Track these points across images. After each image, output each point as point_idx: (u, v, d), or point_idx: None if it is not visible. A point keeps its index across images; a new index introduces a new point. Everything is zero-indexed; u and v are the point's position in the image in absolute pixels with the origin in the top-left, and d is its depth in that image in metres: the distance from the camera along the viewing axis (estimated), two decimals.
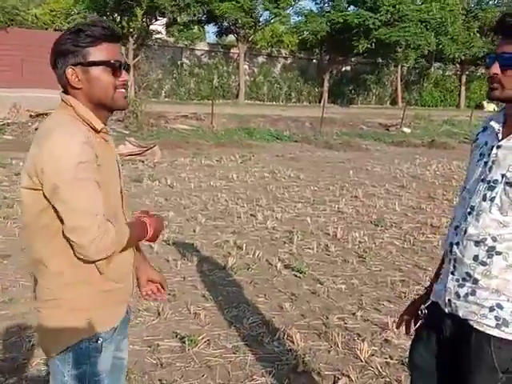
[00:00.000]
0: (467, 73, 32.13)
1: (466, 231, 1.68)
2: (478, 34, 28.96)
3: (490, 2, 30.80)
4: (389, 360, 3.34)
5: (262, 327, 3.71)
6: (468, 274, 1.66)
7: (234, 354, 3.34)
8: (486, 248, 1.62)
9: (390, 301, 4.24)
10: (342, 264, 5.08)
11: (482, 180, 1.67)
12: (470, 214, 1.68)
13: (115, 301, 1.70)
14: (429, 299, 1.89)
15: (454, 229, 1.75)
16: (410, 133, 17.89)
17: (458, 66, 31.81)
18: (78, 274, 1.57)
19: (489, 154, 1.68)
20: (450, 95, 32.50)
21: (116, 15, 20.93)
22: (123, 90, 1.60)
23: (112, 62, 1.55)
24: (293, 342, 3.48)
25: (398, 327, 2.08)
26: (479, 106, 30.93)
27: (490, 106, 31.11)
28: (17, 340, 3.36)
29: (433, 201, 7.96)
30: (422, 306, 1.91)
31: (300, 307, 4.07)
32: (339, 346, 3.47)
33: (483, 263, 1.63)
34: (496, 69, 1.60)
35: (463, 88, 32.09)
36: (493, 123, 1.70)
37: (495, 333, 1.63)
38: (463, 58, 29.02)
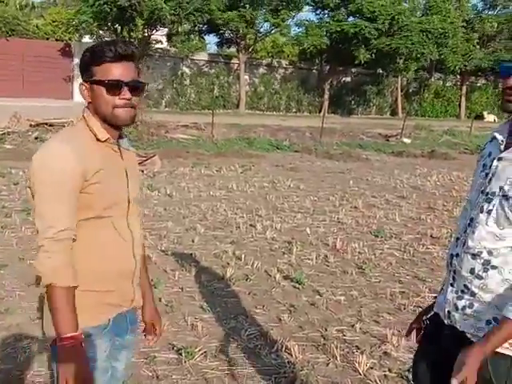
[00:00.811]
0: (467, 83, 32.23)
1: (465, 243, 1.67)
2: (477, 46, 29.09)
3: (490, 13, 30.98)
4: (387, 373, 3.30)
5: (260, 339, 3.67)
6: (466, 286, 1.67)
7: (231, 366, 3.30)
8: (482, 261, 1.62)
9: (389, 313, 4.21)
10: (341, 275, 5.05)
11: (482, 191, 1.67)
12: (469, 225, 1.68)
13: (104, 302, 1.74)
14: (432, 310, 1.89)
15: (455, 240, 1.74)
16: (410, 143, 17.89)
17: (458, 76, 31.92)
18: None
19: (490, 166, 1.67)
20: (451, 106, 32.57)
21: (117, 25, 21.01)
22: (121, 109, 1.67)
23: (106, 82, 1.64)
24: (291, 355, 3.44)
25: (407, 335, 2.06)
26: (479, 117, 31.02)
27: (490, 117, 31.23)
28: (12, 351, 3.32)
29: (433, 212, 7.94)
30: (424, 317, 1.91)
31: (298, 319, 4.04)
32: (337, 358, 3.43)
33: (479, 277, 1.63)
34: None
35: (463, 98, 32.17)
36: (497, 134, 1.69)
37: None
38: (463, 69, 29.13)
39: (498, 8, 31.01)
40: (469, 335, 1.65)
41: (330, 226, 6.82)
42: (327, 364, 3.39)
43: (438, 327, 1.79)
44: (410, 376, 2.08)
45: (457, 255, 1.69)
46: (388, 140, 18.23)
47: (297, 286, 4.69)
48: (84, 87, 1.69)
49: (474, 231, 1.64)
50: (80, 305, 1.62)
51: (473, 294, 1.64)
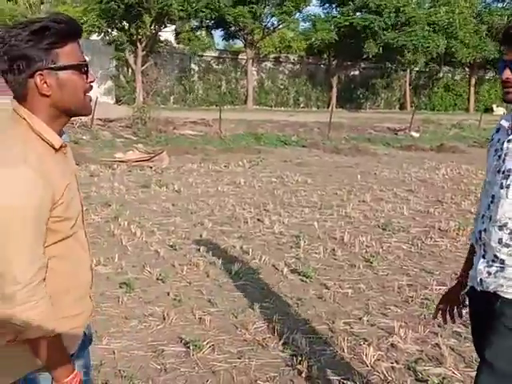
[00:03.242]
0: (476, 76, 31.99)
1: (490, 218, 1.87)
2: (487, 38, 28.86)
3: (499, 5, 30.71)
4: (395, 365, 3.30)
5: (268, 332, 3.69)
6: (495, 255, 1.86)
7: (239, 359, 3.33)
8: (508, 231, 1.82)
9: (396, 305, 4.20)
10: (348, 268, 5.05)
11: (498, 171, 1.87)
12: (492, 202, 1.88)
13: (77, 326, 1.53)
14: (466, 286, 2.09)
15: (480, 218, 1.95)
16: (418, 137, 17.81)
17: (467, 69, 31.68)
18: None
19: (501, 149, 1.88)
20: (460, 99, 32.36)
21: (124, 22, 21.09)
22: (90, 95, 1.46)
23: (81, 64, 1.40)
24: (298, 347, 3.45)
25: (434, 317, 2.31)
26: (489, 110, 30.76)
27: (500, 110, 30.93)
28: None
29: (441, 205, 7.91)
30: (462, 293, 2.11)
31: (306, 312, 4.05)
32: (345, 350, 3.44)
33: (507, 245, 1.83)
34: (508, 74, 1.80)
35: (472, 92, 31.94)
36: (503, 122, 1.90)
37: None
38: (473, 61, 28.91)
39: (507, 1, 30.73)
40: (499, 293, 1.85)
41: (338, 220, 6.82)
42: (334, 356, 3.40)
43: (475, 298, 2.00)
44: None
45: (485, 230, 1.89)
46: (396, 134, 18.17)
47: (304, 279, 4.70)
48: (41, 78, 1.34)
49: (498, 206, 1.83)
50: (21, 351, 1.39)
51: (502, 261, 1.84)
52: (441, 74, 31.90)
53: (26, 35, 1.31)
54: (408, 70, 28.95)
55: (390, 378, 3.13)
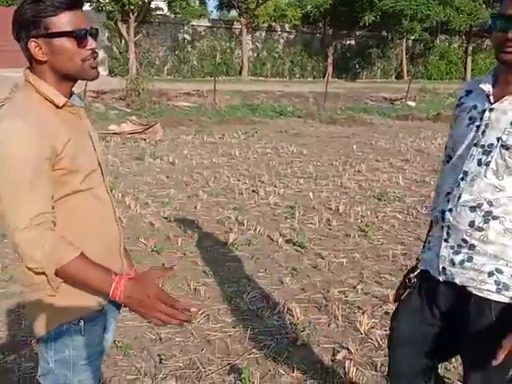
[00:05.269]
0: (473, 45, 31.63)
1: (459, 197, 1.65)
2: (483, 5, 28.43)
3: None
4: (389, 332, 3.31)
5: (262, 302, 3.70)
6: (464, 240, 1.64)
7: (234, 328, 3.34)
8: (483, 213, 1.60)
9: (391, 274, 4.22)
10: (343, 238, 5.06)
11: (475, 144, 1.65)
12: (462, 179, 1.65)
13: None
14: (417, 268, 1.87)
15: (444, 195, 1.71)
16: (415, 106, 17.67)
17: (463, 37, 31.31)
18: None
19: (481, 118, 1.64)
20: (456, 68, 32.05)
21: None
22: (91, 61, 1.51)
23: (75, 31, 1.45)
24: (293, 316, 3.47)
25: (395, 301, 2.04)
26: None
27: None
28: (16, 317, 3.37)
29: (437, 174, 7.86)
30: (412, 275, 1.88)
31: (301, 281, 4.06)
32: (339, 319, 3.46)
33: (479, 229, 1.61)
34: None
35: (469, 60, 31.61)
36: (482, 86, 1.66)
37: (496, 297, 1.63)
38: (469, 29, 28.55)
39: None
40: (470, 288, 1.65)
41: (333, 190, 6.81)
42: (329, 324, 3.42)
43: (430, 284, 1.78)
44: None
45: (450, 210, 1.67)
46: (393, 104, 18.02)
47: (299, 249, 4.71)
48: (35, 45, 1.44)
49: (472, 184, 1.62)
50: (78, 293, 1.52)
51: (472, 247, 1.63)
52: (437, 42, 31.52)
53: (26, 4, 1.44)
54: (404, 39, 28.58)
55: (383, 346, 3.14)
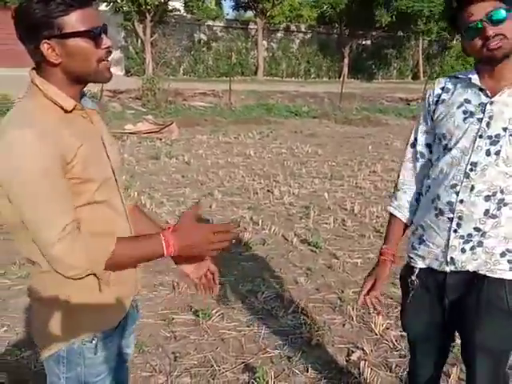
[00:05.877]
0: None
1: (472, 188, 1.67)
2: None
3: None
4: (404, 333, 3.28)
5: (277, 301, 3.70)
6: (477, 228, 1.68)
7: (248, 327, 3.35)
8: (496, 201, 1.66)
9: None
10: (358, 239, 5.04)
11: (481, 136, 1.67)
12: (472, 170, 1.68)
13: (116, 299, 1.54)
14: (414, 268, 1.86)
15: (450, 188, 1.71)
16: None
17: None
18: None
19: (482, 111, 1.68)
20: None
21: None
22: (106, 62, 1.43)
23: (91, 30, 1.37)
24: (307, 316, 3.47)
25: (360, 305, 2.05)
26: None
27: None
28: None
29: None
30: (413, 278, 1.86)
31: (315, 281, 4.05)
32: (354, 319, 3.45)
33: (493, 216, 1.67)
34: (492, 28, 1.59)
35: None
36: (474, 81, 1.70)
37: (510, 276, 1.68)
38: None
39: None
40: (483, 272, 1.70)
41: (348, 190, 6.79)
42: (343, 325, 3.41)
43: (434, 279, 1.81)
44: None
45: (461, 201, 1.69)
46: (409, 104, 17.91)
47: (314, 249, 4.70)
48: (48, 46, 1.34)
49: (484, 174, 1.66)
50: (90, 308, 1.47)
51: (483, 235, 1.68)
52: (453, 42, 31.25)
53: (34, 4, 1.33)
54: (421, 39, 28.38)
55: (398, 347, 3.14)
